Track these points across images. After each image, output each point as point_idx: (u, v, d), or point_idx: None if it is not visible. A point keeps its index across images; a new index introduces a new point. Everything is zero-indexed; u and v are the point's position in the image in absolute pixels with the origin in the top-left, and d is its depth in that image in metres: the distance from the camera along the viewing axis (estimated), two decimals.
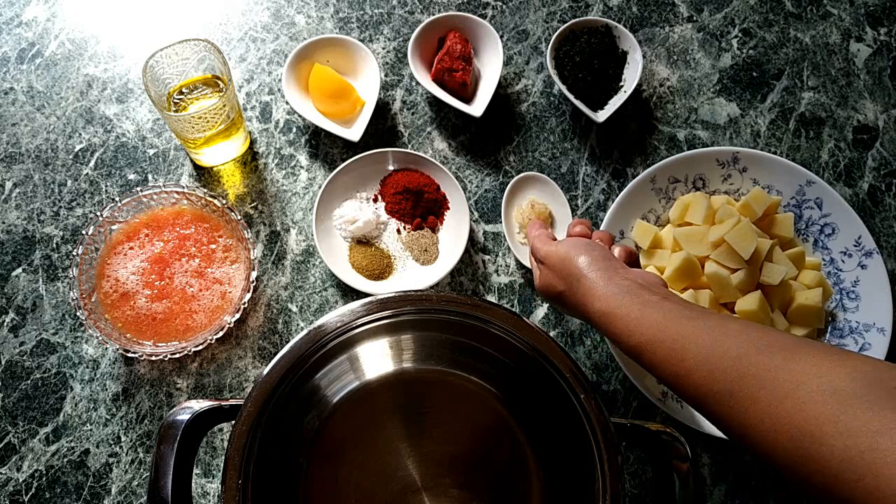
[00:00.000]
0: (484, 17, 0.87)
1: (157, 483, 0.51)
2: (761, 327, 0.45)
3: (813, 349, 0.40)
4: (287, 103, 0.81)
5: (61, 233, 0.77)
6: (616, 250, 0.59)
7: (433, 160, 0.78)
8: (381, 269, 0.76)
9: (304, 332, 0.54)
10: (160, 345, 0.69)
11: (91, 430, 0.70)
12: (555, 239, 0.62)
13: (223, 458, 0.51)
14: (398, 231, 0.78)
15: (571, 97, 0.79)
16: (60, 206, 0.78)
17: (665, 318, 0.47)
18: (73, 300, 0.67)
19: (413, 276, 0.76)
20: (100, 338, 0.66)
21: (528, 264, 0.76)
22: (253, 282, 0.70)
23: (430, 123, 0.83)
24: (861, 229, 0.74)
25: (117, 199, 0.71)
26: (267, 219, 0.79)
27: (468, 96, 0.82)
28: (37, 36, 0.85)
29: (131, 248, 0.72)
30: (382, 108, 0.83)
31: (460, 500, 0.57)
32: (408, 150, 0.78)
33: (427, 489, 0.57)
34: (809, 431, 0.36)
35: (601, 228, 0.75)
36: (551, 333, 0.75)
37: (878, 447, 0.33)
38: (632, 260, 0.59)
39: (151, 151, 0.80)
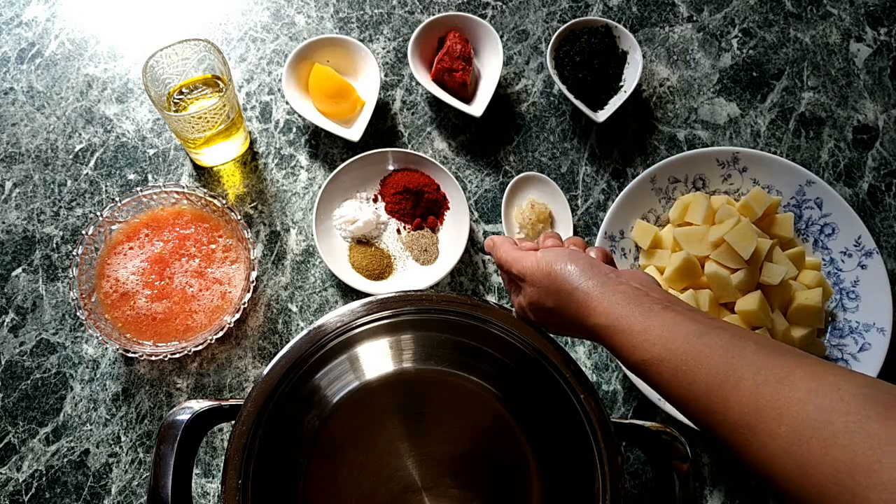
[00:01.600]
0: (484, 17, 0.87)
1: (157, 483, 0.51)
2: (777, 347, 0.41)
3: (837, 376, 0.37)
4: (287, 103, 0.81)
5: (61, 233, 0.77)
6: (592, 253, 0.55)
7: (433, 160, 0.78)
8: (381, 269, 0.76)
9: (304, 332, 0.54)
10: (160, 345, 0.69)
11: (91, 430, 0.70)
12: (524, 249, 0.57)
13: (223, 458, 0.51)
14: (398, 231, 0.78)
15: (571, 97, 0.79)
16: (60, 206, 0.78)
17: (671, 333, 0.43)
18: (73, 300, 0.67)
19: (413, 276, 0.76)
20: (100, 338, 0.66)
21: None
22: (253, 282, 0.70)
23: (430, 123, 0.83)
24: (861, 229, 0.74)
25: (117, 199, 0.71)
26: (267, 219, 0.79)
27: (468, 96, 0.82)
28: (37, 36, 0.85)
29: (131, 248, 0.72)
30: (382, 108, 0.83)
31: (460, 500, 0.57)
32: (408, 150, 0.78)
33: (427, 489, 0.57)
34: (840, 481, 0.33)
35: (601, 228, 0.75)
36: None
37: None
38: (608, 260, 0.55)
39: (151, 151, 0.80)
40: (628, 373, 0.69)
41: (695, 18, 0.89)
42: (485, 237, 0.79)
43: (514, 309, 0.57)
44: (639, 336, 0.45)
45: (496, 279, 0.77)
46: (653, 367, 0.44)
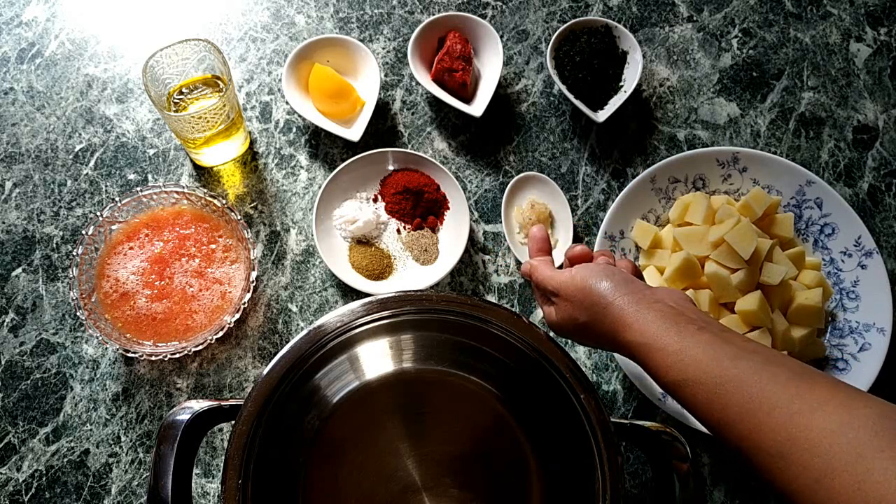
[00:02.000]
0: (484, 17, 0.87)
1: (157, 483, 0.51)
2: (811, 374, 0.41)
3: (871, 409, 0.37)
4: (287, 103, 0.81)
5: (61, 233, 0.77)
6: (622, 266, 0.56)
7: (433, 160, 0.78)
8: (381, 269, 0.76)
9: (304, 332, 0.54)
10: (160, 345, 0.69)
11: (91, 430, 0.70)
12: (558, 266, 0.58)
13: (223, 458, 0.51)
14: (398, 231, 0.78)
15: (571, 97, 0.79)
16: (60, 206, 0.78)
17: (706, 356, 0.44)
18: (73, 300, 0.67)
19: (413, 276, 0.76)
20: (100, 338, 0.66)
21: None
22: (253, 282, 0.70)
23: (430, 123, 0.83)
24: (861, 229, 0.74)
25: (117, 199, 0.71)
26: (267, 219, 0.79)
27: (468, 96, 0.82)
28: (37, 36, 0.85)
29: (131, 248, 0.72)
30: (382, 108, 0.83)
31: (460, 500, 0.57)
32: (408, 150, 0.78)
33: (427, 489, 0.57)
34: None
35: (601, 228, 0.75)
36: (551, 333, 0.75)
37: None
38: (637, 274, 0.56)
39: (151, 151, 0.80)
40: (628, 373, 0.69)
41: (695, 18, 0.89)
42: (485, 237, 0.79)
43: (545, 321, 0.58)
44: (673, 356, 0.45)
45: (496, 279, 0.77)
46: (687, 389, 0.44)
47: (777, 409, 0.39)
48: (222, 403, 0.55)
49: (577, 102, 0.79)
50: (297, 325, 0.75)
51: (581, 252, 0.58)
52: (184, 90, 0.75)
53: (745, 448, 0.41)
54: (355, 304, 0.55)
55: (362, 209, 0.77)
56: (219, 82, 0.75)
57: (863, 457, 0.35)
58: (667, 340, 0.46)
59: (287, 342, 0.55)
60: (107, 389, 0.72)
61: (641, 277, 0.57)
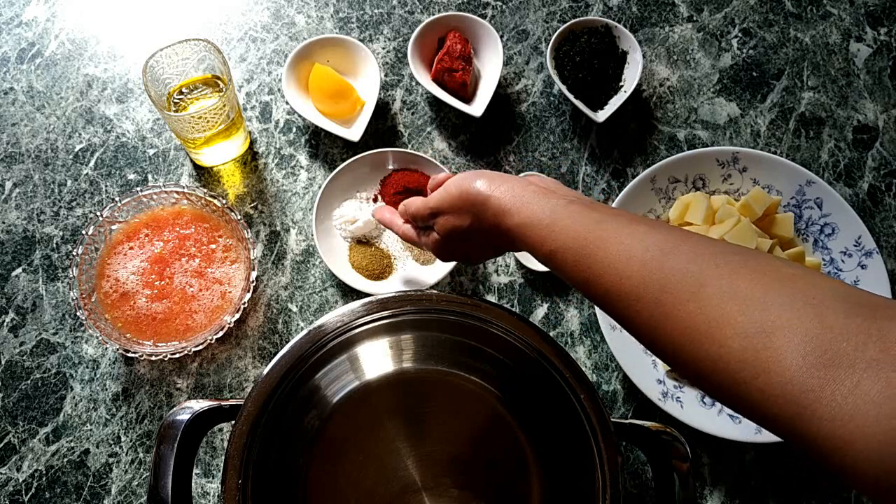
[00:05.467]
0: (484, 17, 0.87)
1: (157, 483, 0.51)
2: (668, 228, 0.45)
3: (715, 249, 0.41)
4: (287, 103, 0.81)
5: (61, 233, 0.77)
6: None
7: (433, 160, 0.78)
8: (381, 269, 0.76)
9: (304, 332, 0.54)
10: (160, 345, 0.69)
11: (91, 430, 0.70)
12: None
13: (223, 458, 0.51)
14: None
15: (571, 97, 0.79)
16: (60, 206, 0.78)
17: (574, 223, 0.47)
18: (73, 300, 0.67)
19: (413, 276, 0.76)
20: (100, 338, 0.66)
21: (528, 265, 0.76)
22: (253, 282, 0.70)
23: (430, 123, 0.83)
24: (861, 229, 0.74)
25: (117, 199, 0.71)
26: (267, 219, 0.79)
27: (468, 96, 0.82)
28: (37, 36, 0.85)
29: (131, 248, 0.72)
30: (382, 108, 0.83)
31: (460, 500, 0.57)
32: (408, 150, 0.78)
33: (427, 489, 0.57)
34: (709, 333, 0.37)
35: None
36: (551, 333, 0.75)
37: (771, 345, 0.34)
38: None
39: (151, 151, 0.81)
40: (628, 373, 0.69)
41: (695, 18, 0.89)
42: None
43: (430, 254, 0.61)
44: (546, 229, 0.48)
45: (496, 279, 0.77)
46: (559, 256, 0.47)
47: (634, 257, 0.42)
48: (222, 403, 0.55)
49: (577, 102, 0.79)
50: (297, 325, 0.75)
51: (443, 177, 0.61)
52: (184, 90, 0.75)
53: (610, 300, 0.44)
54: (355, 304, 0.55)
55: (362, 209, 0.77)
56: (219, 82, 0.75)
57: (704, 286, 0.38)
58: (540, 216, 0.48)
59: (287, 342, 0.55)
60: (107, 389, 0.72)
61: None
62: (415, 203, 0.61)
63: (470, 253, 0.59)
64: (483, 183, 0.53)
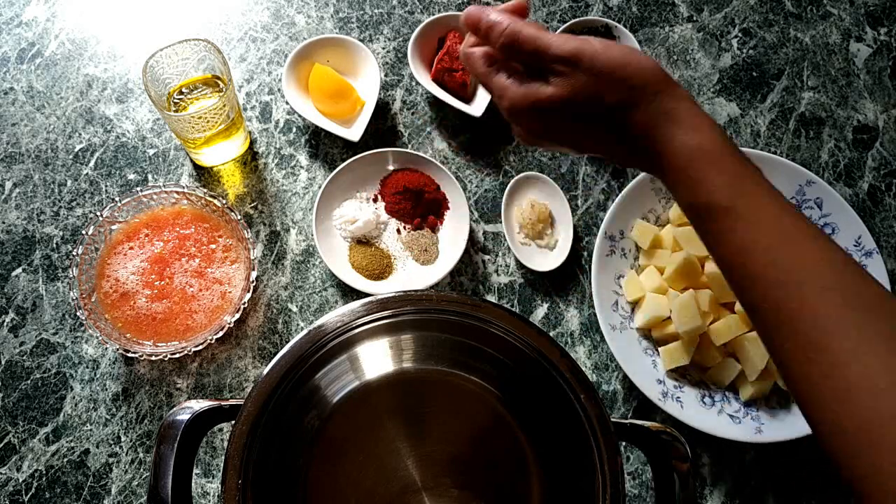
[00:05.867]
0: None
1: (157, 483, 0.51)
2: (862, 275, 0.38)
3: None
4: (287, 103, 0.81)
5: (61, 233, 0.77)
6: None
7: (433, 160, 0.78)
8: (381, 269, 0.76)
9: (304, 332, 0.54)
10: (160, 345, 0.69)
11: (91, 430, 0.70)
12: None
13: (223, 458, 0.51)
14: (398, 231, 0.78)
15: None
16: (60, 206, 0.78)
17: (770, 201, 0.39)
18: (73, 300, 0.67)
19: (413, 276, 0.76)
20: (100, 338, 0.66)
21: (529, 265, 0.76)
22: (253, 282, 0.70)
23: (430, 123, 0.83)
24: (861, 229, 0.74)
25: (117, 199, 0.71)
26: (267, 219, 0.79)
27: (468, 96, 0.82)
28: (37, 36, 0.85)
29: (131, 248, 0.72)
30: (382, 108, 0.83)
31: (460, 500, 0.57)
32: (408, 150, 0.78)
33: (427, 489, 0.57)
34: (868, 440, 0.32)
35: (601, 228, 0.75)
36: (551, 333, 0.75)
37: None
38: None
39: (151, 151, 0.80)
40: (628, 373, 0.69)
41: (695, 18, 0.89)
42: (485, 237, 0.79)
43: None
44: (730, 176, 0.38)
45: (496, 279, 0.77)
46: (729, 218, 0.38)
47: (807, 284, 0.37)
48: (222, 403, 0.55)
49: None
50: (297, 325, 0.75)
51: (514, 4, 0.43)
52: (184, 90, 0.75)
53: (753, 305, 0.39)
54: (355, 304, 0.55)
55: (362, 209, 0.77)
56: (219, 82, 0.75)
57: (873, 378, 0.34)
58: (727, 159, 0.38)
59: (287, 342, 0.55)
60: (107, 389, 0.72)
61: None
62: (533, 31, 0.41)
63: (580, 138, 0.43)
64: (658, 68, 0.40)
